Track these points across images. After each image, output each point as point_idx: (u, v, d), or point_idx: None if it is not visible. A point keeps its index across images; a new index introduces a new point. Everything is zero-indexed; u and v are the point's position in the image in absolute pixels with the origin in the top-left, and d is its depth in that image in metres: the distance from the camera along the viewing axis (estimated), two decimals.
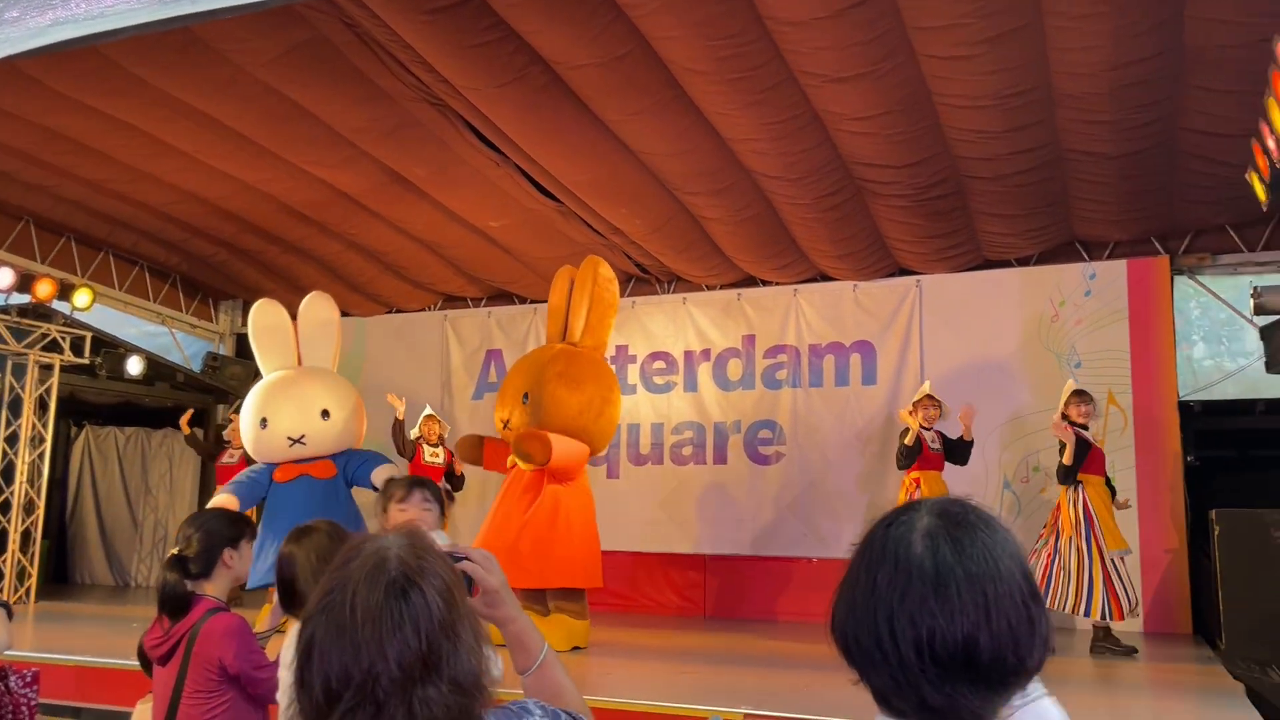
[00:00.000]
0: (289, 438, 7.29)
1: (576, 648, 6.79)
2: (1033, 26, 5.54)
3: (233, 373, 11.02)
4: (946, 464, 7.64)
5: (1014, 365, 8.70)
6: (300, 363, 7.73)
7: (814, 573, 8.78)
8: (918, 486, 7.43)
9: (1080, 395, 7.17)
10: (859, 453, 9.13)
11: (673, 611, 9.23)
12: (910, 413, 7.62)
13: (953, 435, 7.68)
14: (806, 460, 9.30)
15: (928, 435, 7.60)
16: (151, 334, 11.38)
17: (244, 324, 11.79)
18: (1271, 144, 5.11)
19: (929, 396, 7.67)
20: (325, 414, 7.41)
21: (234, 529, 3.03)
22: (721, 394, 9.75)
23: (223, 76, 6.71)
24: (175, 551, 2.94)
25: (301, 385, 7.50)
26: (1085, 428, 7.13)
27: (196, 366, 11.25)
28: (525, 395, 7.13)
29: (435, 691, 1.16)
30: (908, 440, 7.50)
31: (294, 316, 7.85)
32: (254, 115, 7.27)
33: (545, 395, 7.03)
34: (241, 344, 11.83)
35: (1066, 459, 6.94)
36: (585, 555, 6.97)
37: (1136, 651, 6.92)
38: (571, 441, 6.96)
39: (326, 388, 7.59)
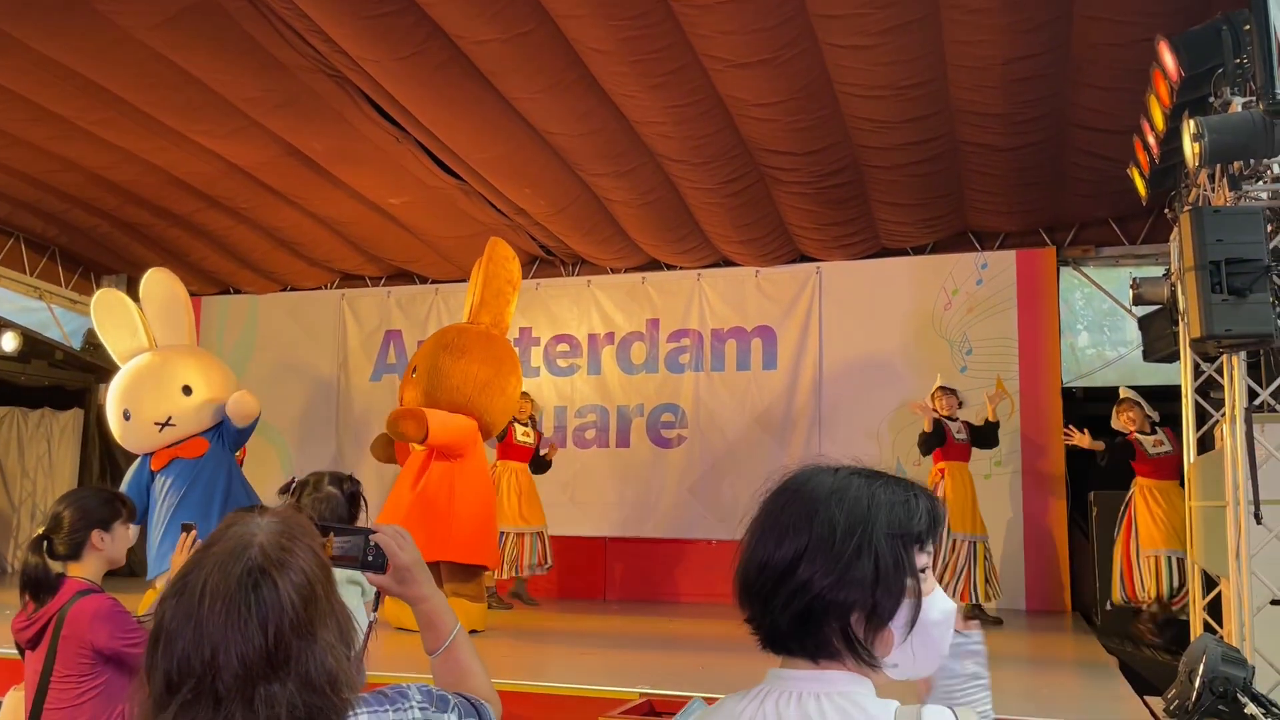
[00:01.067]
0: (156, 423, 7.04)
1: (474, 631, 6.72)
2: (930, 19, 5.66)
3: None
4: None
5: (909, 351, 8.93)
6: (152, 345, 7.44)
7: (714, 554, 8.87)
8: (943, 477, 7.52)
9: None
10: (759, 436, 9.26)
11: (573, 595, 9.22)
12: (927, 405, 7.64)
13: (979, 420, 7.82)
14: (708, 443, 9.39)
15: (953, 426, 7.63)
16: (28, 309, 10.81)
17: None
18: (1151, 140, 5.33)
19: (942, 388, 7.76)
20: (187, 390, 7.15)
21: (107, 509, 2.90)
22: (625, 377, 9.77)
23: (106, 39, 6.39)
24: (40, 531, 2.81)
25: (150, 369, 7.23)
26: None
27: (77, 343, 10.75)
28: (414, 369, 7.11)
29: (280, 690, 1.10)
30: (926, 427, 7.55)
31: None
32: (140, 81, 6.94)
33: (430, 367, 6.95)
34: None
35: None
36: (479, 532, 6.88)
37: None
38: (452, 416, 6.80)
39: (182, 364, 7.30)
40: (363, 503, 3.24)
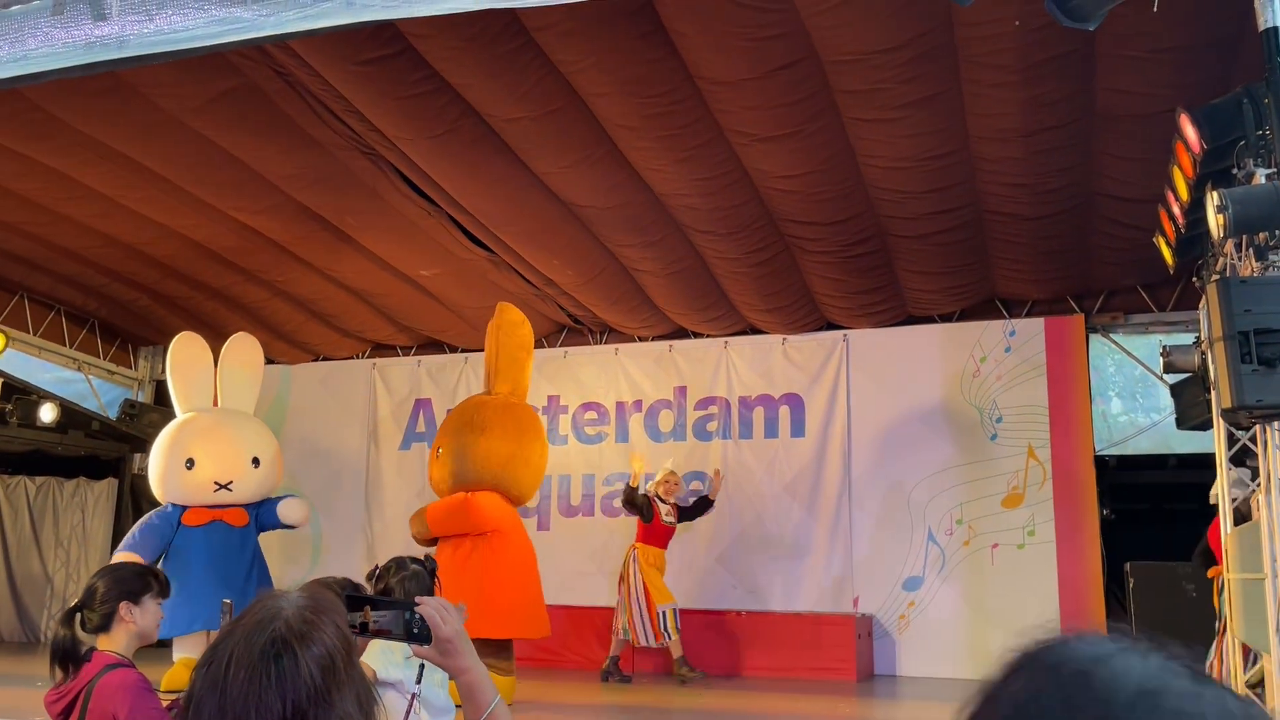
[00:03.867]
0: (216, 482, 7.12)
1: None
2: (951, 93, 5.74)
3: (151, 420, 10.69)
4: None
5: (937, 419, 8.88)
6: (217, 404, 7.55)
7: (743, 625, 8.76)
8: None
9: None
10: (788, 504, 9.20)
11: (600, 666, 9.09)
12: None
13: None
14: (736, 512, 9.33)
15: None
16: (66, 380, 11.02)
17: (164, 371, 11.55)
18: (1176, 210, 5.34)
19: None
20: (256, 462, 7.31)
21: (138, 582, 2.93)
22: (653, 445, 9.76)
23: (148, 121, 6.61)
24: (73, 604, 2.84)
25: (230, 430, 7.34)
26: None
27: (113, 414, 10.92)
28: (439, 449, 7.23)
29: None
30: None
31: (216, 360, 7.69)
32: (179, 160, 7.16)
33: (455, 447, 7.09)
34: (161, 391, 11.51)
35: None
36: (512, 606, 6.85)
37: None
38: (453, 502, 7.04)
39: (257, 434, 7.46)
40: (438, 579, 3.38)
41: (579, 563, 9.63)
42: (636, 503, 8.13)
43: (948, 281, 8.31)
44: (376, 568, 3.30)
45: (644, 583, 7.94)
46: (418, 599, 1.55)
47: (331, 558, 10.16)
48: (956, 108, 5.89)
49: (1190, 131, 4.70)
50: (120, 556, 6.80)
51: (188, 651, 6.85)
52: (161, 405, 11.01)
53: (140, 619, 2.91)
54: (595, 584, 9.51)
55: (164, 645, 8.19)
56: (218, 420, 7.38)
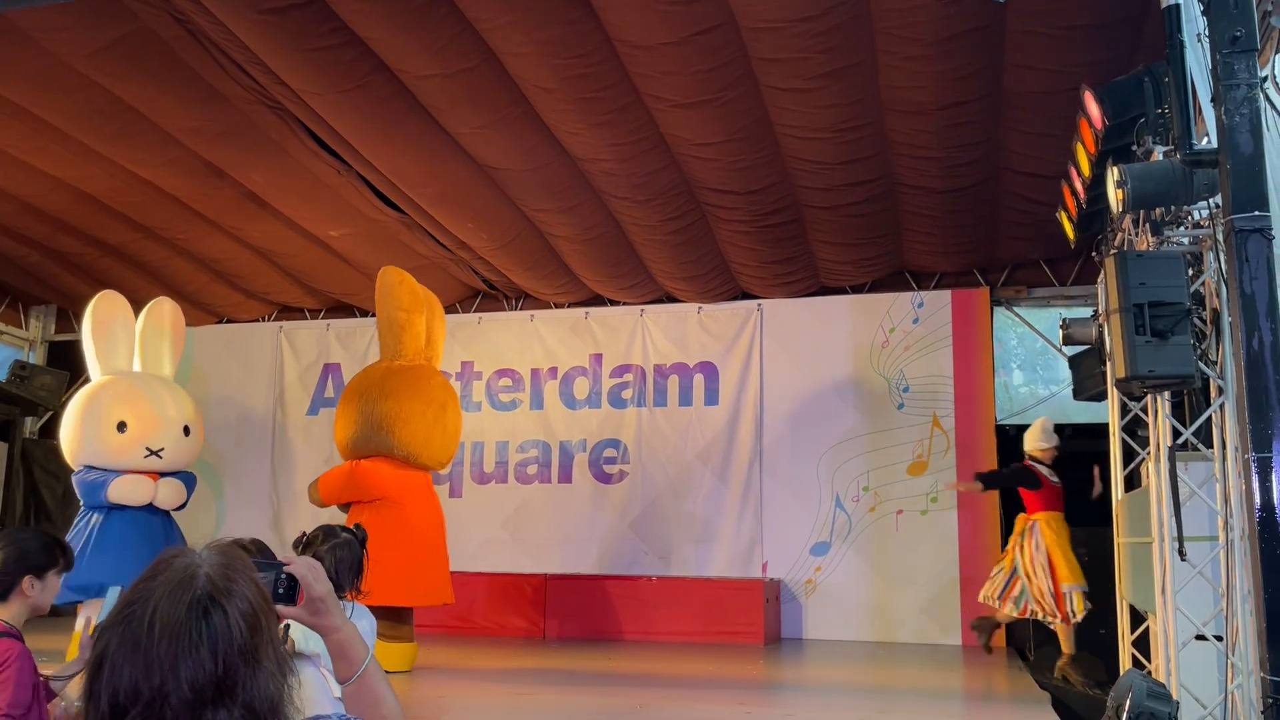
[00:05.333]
0: (148, 448, 6.86)
1: (396, 672, 6.53)
2: (867, 64, 5.79)
3: (43, 382, 10.27)
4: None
5: (847, 388, 9.05)
6: (137, 368, 7.28)
7: (652, 591, 8.84)
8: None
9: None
10: (701, 472, 9.29)
11: (513, 633, 9.11)
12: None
13: None
14: (650, 479, 9.40)
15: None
16: None
17: (56, 331, 11.07)
18: (1079, 186, 5.49)
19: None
20: (186, 430, 7.08)
21: (45, 555, 2.81)
22: (568, 412, 9.75)
23: (39, 67, 6.27)
24: None
25: (164, 395, 7.09)
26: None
27: (2, 375, 10.44)
28: (336, 417, 7.35)
29: (226, 715, 1.14)
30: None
31: None
32: (73, 109, 6.81)
33: (343, 412, 7.23)
34: (54, 352, 11.05)
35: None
36: (404, 573, 6.67)
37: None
38: (336, 469, 7.17)
39: (185, 402, 7.26)
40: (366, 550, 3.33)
41: (491, 530, 9.59)
42: (1007, 478, 7.56)
43: (859, 253, 8.44)
44: (304, 534, 3.23)
45: (1049, 557, 7.01)
46: (286, 558, 1.55)
47: (236, 524, 9.93)
48: (871, 79, 5.95)
49: (1093, 108, 4.83)
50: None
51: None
52: (55, 367, 10.57)
53: (40, 594, 2.80)
54: (506, 551, 9.50)
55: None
56: (147, 384, 7.11)
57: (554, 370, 9.86)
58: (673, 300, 9.63)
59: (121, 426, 6.86)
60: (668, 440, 9.45)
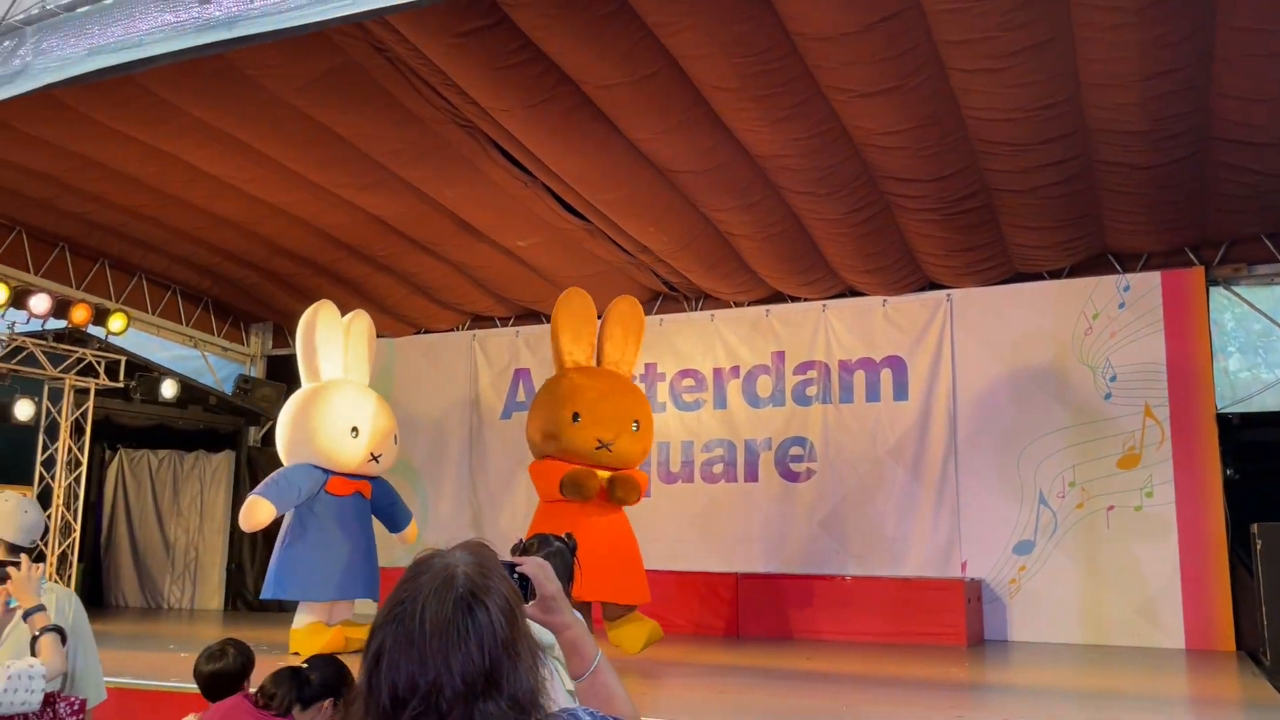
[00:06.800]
0: (373, 454, 7.38)
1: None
2: (1062, 39, 5.51)
3: (264, 394, 11.10)
4: None
5: (1047, 379, 8.62)
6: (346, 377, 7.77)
7: (846, 590, 8.69)
8: None
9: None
10: (891, 469, 9.07)
11: (704, 630, 9.16)
12: None
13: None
14: (838, 477, 9.24)
15: None
16: (183, 357, 11.48)
17: (273, 346, 11.92)
18: None
19: None
20: (395, 439, 7.62)
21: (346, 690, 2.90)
22: (751, 411, 9.72)
23: (256, 102, 6.80)
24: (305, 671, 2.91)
25: (378, 404, 7.63)
26: None
27: (228, 389, 11.35)
28: (636, 423, 7.27)
29: (495, 707, 1.19)
30: None
31: None
32: (286, 140, 7.36)
33: (647, 425, 7.38)
34: (272, 366, 11.91)
35: None
36: (640, 572, 7.18)
37: None
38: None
39: (389, 411, 7.75)
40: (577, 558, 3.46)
41: (679, 529, 9.66)
42: None
43: (1057, 236, 8.02)
44: (521, 541, 3.39)
45: None
46: (519, 559, 1.60)
47: (439, 526, 10.41)
48: (1068, 54, 5.65)
49: None
50: (253, 502, 6.89)
51: (317, 616, 7.06)
52: (274, 380, 11.41)
53: (318, 715, 2.90)
54: (695, 549, 9.54)
55: (269, 607, 8.54)
56: (367, 393, 7.65)
57: (736, 369, 9.85)
58: (856, 294, 9.44)
59: (355, 432, 7.34)
60: (856, 437, 9.27)
